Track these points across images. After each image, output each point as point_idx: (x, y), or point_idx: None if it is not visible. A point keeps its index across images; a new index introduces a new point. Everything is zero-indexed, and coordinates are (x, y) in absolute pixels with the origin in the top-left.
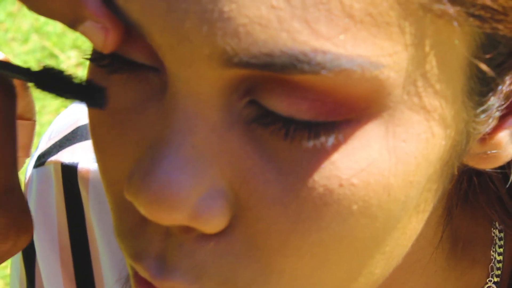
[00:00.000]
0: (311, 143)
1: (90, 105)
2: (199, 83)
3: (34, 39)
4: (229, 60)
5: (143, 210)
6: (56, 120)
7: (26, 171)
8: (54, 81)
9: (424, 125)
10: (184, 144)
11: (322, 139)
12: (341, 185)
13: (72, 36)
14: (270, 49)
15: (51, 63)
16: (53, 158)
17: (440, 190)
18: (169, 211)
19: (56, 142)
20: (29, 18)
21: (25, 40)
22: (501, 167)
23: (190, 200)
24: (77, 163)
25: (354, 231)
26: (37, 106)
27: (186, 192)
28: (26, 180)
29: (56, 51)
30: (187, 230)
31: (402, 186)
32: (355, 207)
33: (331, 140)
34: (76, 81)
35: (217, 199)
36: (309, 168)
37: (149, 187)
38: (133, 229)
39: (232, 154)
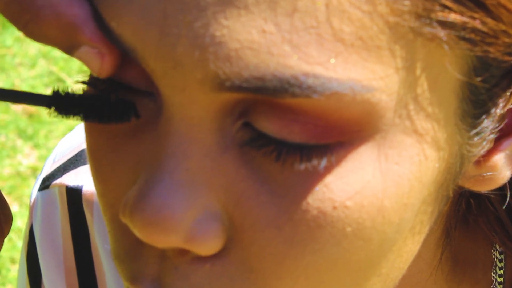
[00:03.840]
0: (303, 166)
1: (123, 121)
2: (193, 107)
3: (42, 64)
4: (221, 84)
5: (138, 233)
6: (61, 143)
7: (31, 194)
8: (77, 104)
9: (416, 148)
10: (178, 168)
11: (314, 162)
12: (334, 208)
13: (79, 61)
14: (261, 73)
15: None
16: (58, 181)
17: (436, 212)
18: (163, 234)
19: (60, 165)
20: (37, 43)
21: (33, 65)
22: (499, 189)
23: (184, 223)
24: (82, 186)
25: (348, 253)
26: (44, 131)
27: (180, 214)
28: (31, 203)
29: (63, 75)
30: (182, 252)
31: (396, 209)
32: (349, 229)
33: (323, 162)
34: (101, 101)
35: (211, 222)
36: (302, 191)
37: (143, 210)
38: (130, 252)
39: (226, 177)
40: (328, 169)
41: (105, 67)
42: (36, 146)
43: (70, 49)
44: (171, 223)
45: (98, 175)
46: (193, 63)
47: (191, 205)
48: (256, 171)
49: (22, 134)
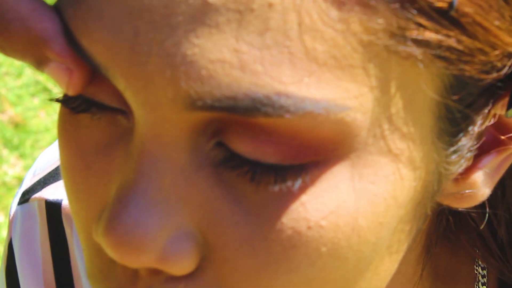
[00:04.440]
0: (277, 187)
1: None
2: (165, 126)
3: (28, 73)
4: (193, 104)
5: (110, 253)
6: (41, 157)
7: (11, 208)
8: None
9: (392, 167)
10: (151, 187)
11: (289, 183)
12: (309, 227)
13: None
14: (233, 92)
15: (44, 97)
16: (37, 195)
17: (414, 230)
18: (136, 254)
19: (40, 179)
20: None
21: (19, 75)
22: (480, 206)
23: (157, 243)
24: (61, 200)
25: (323, 273)
26: (30, 141)
27: (153, 234)
28: (11, 217)
29: (50, 85)
30: (155, 272)
31: (372, 228)
32: (324, 249)
33: (298, 183)
34: None
35: (185, 241)
36: (277, 210)
37: (115, 230)
38: (103, 270)
39: (199, 196)
40: (303, 189)
41: (73, 83)
42: (22, 156)
43: (39, 65)
44: (144, 243)
45: (72, 193)
46: (165, 82)
47: (164, 225)
48: (230, 190)
49: (8, 143)
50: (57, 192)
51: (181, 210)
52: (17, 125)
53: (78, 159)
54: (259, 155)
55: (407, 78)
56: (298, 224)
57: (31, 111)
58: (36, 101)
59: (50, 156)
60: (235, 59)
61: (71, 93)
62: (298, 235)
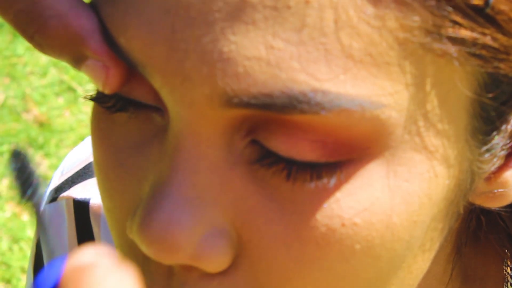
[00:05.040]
0: (313, 184)
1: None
2: (200, 123)
3: (53, 72)
4: (229, 101)
5: (145, 250)
6: (69, 156)
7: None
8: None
9: (426, 165)
10: (186, 184)
11: (324, 180)
12: (343, 225)
13: (87, 76)
14: (269, 89)
15: (69, 96)
16: (65, 193)
17: (446, 229)
18: (170, 251)
19: (68, 178)
20: None
21: (44, 74)
22: (510, 205)
23: (191, 240)
24: (89, 199)
25: (357, 271)
26: (55, 140)
27: (187, 231)
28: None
29: (74, 84)
30: (189, 269)
31: (406, 226)
32: (357, 246)
33: (333, 180)
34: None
35: (219, 238)
36: (311, 208)
37: (150, 227)
38: (137, 267)
39: (234, 193)
40: (337, 186)
41: (110, 81)
42: (47, 155)
43: (76, 62)
44: (178, 240)
45: (105, 190)
46: (201, 79)
47: (198, 222)
48: (264, 188)
49: (32, 143)
50: (85, 191)
51: (215, 207)
52: (41, 125)
53: (112, 156)
54: (295, 152)
55: (442, 75)
56: (332, 221)
57: (55, 111)
58: (60, 100)
59: (77, 155)
60: (271, 56)
61: (107, 91)
62: (332, 232)
